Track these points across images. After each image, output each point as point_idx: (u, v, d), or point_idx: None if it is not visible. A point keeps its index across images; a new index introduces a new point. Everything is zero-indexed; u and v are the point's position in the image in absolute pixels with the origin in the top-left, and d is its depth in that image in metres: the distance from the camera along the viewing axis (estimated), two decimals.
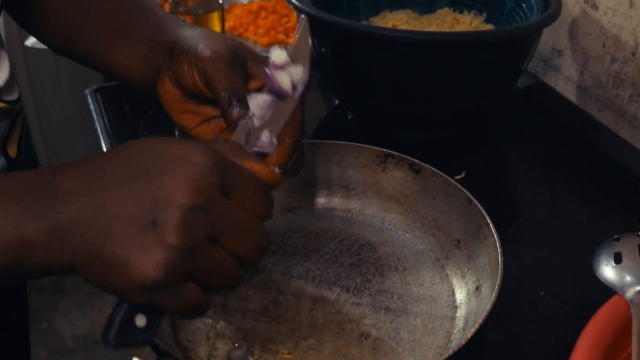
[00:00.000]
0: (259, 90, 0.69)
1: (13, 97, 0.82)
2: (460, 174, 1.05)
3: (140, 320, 0.54)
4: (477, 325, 0.68)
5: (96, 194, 0.53)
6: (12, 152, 0.83)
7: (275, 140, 0.66)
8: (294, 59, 0.68)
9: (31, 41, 1.45)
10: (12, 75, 0.82)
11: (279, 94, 0.66)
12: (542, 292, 0.86)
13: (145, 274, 0.51)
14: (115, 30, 0.81)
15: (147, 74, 0.78)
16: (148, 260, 0.51)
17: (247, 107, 0.67)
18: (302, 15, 0.68)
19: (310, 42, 0.73)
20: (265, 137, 0.65)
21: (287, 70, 0.67)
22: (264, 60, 0.71)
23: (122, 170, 0.54)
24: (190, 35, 0.76)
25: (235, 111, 0.68)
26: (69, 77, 2.41)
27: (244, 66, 0.73)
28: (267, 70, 0.67)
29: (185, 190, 0.52)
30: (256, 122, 0.65)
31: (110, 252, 0.51)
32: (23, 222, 0.52)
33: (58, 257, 0.52)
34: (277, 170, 0.62)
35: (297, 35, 0.70)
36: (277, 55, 0.67)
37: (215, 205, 0.53)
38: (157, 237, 0.51)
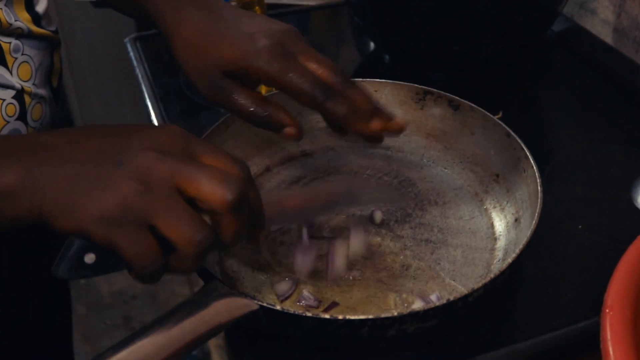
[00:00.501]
0: None
1: (52, 27, 0.85)
2: (497, 114, 1.05)
3: (90, 258, 0.56)
4: (517, 251, 0.70)
5: (69, 146, 0.57)
6: (55, 82, 0.86)
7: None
8: None
9: None
10: (50, 7, 0.86)
11: None
12: (579, 226, 0.87)
13: (105, 206, 0.53)
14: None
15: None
16: (109, 194, 0.54)
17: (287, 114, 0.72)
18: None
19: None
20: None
21: None
22: (306, 51, 0.72)
23: (96, 131, 0.59)
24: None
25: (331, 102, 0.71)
26: (102, 31, 2.42)
27: (293, 58, 0.72)
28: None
29: (151, 144, 0.57)
30: None
31: (76, 190, 0.54)
32: (2, 170, 0.55)
33: (29, 203, 0.55)
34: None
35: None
36: None
37: (179, 157, 0.57)
38: (120, 175, 0.54)
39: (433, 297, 0.74)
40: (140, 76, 1.20)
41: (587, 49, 1.25)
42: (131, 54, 1.26)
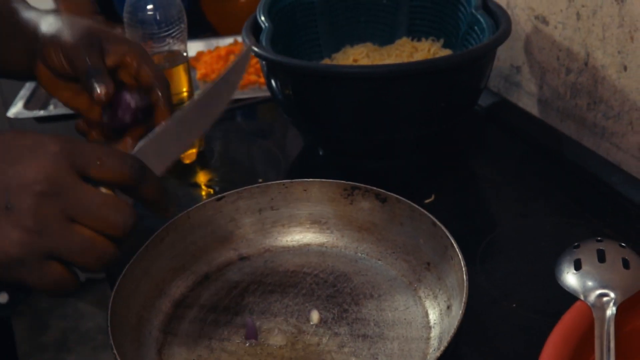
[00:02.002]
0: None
1: None
2: (429, 197, 1.08)
3: (2, 297, 0.58)
4: (445, 343, 0.71)
5: None
6: None
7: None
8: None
9: (12, 112, 1.48)
10: None
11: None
12: (514, 305, 0.89)
13: (4, 252, 0.55)
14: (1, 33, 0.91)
15: (28, 64, 0.89)
16: (4, 240, 0.55)
17: (102, 77, 0.83)
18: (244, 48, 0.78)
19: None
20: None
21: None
22: (114, 38, 0.88)
23: None
24: (54, 23, 0.87)
25: (91, 82, 0.82)
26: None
27: (99, 44, 0.85)
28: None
29: (35, 176, 0.57)
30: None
31: None
32: None
33: None
34: (130, 141, 0.69)
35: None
36: None
37: (67, 189, 0.58)
38: (11, 219, 0.56)
39: None
40: None
41: (516, 121, 1.29)
42: None
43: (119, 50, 0.87)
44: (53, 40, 0.85)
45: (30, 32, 0.89)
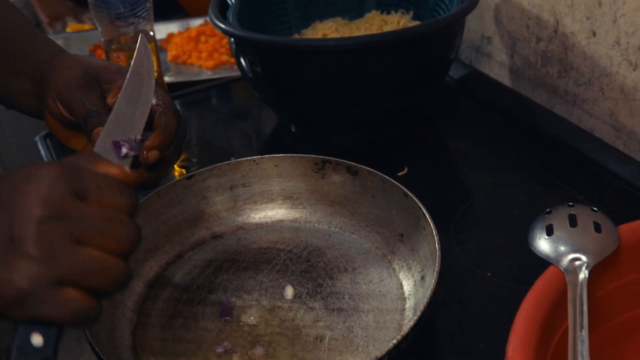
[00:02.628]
0: None
1: None
2: (402, 170, 1.08)
3: (37, 339, 0.56)
4: (419, 313, 0.71)
5: None
6: None
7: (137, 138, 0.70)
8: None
9: None
10: None
11: None
12: (488, 274, 0.89)
13: (14, 287, 0.53)
14: (9, 68, 0.85)
15: (36, 106, 0.83)
16: (13, 274, 0.54)
17: (100, 119, 0.73)
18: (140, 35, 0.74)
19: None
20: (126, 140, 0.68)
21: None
22: (115, 70, 0.79)
23: None
24: (55, 66, 0.81)
25: (90, 125, 0.74)
26: (15, 128, 2.41)
27: (97, 83, 0.78)
28: None
29: (34, 202, 0.55)
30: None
31: None
32: None
33: None
34: (127, 169, 0.65)
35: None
36: None
37: (68, 209, 0.56)
38: (17, 251, 0.54)
39: None
40: None
41: (487, 92, 1.29)
42: (42, 152, 1.27)
43: (119, 84, 0.77)
44: (50, 88, 0.79)
45: (37, 73, 0.83)
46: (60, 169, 0.57)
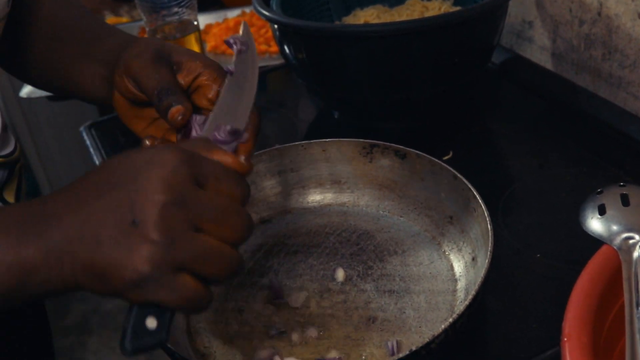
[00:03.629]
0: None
1: (7, 150, 0.86)
2: (447, 154, 1.08)
3: (151, 322, 0.56)
4: (473, 293, 0.71)
5: (82, 210, 0.56)
6: (10, 198, 0.86)
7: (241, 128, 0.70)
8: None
9: (25, 91, 1.49)
10: (6, 128, 0.86)
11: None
12: (537, 255, 0.89)
13: (134, 270, 0.54)
14: (81, 54, 0.86)
15: (107, 90, 0.83)
16: (134, 257, 0.54)
17: (177, 96, 0.73)
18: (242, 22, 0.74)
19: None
20: (227, 129, 0.67)
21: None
22: (187, 52, 0.78)
23: (100, 186, 0.58)
24: (128, 47, 0.80)
25: (165, 102, 0.73)
26: (63, 119, 2.45)
27: (169, 61, 0.77)
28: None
29: (157, 187, 0.55)
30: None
31: (102, 258, 0.55)
32: (23, 247, 0.56)
33: (58, 275, 0.56)
34: (243, 158, 0.65)
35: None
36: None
37: (188, 196, 0.56)
38: (139, 234, 0.54)
39: (389, 345, 0.76)
40: (97, 163, 1.22)
41: (530, 76, 1.28)
42: (87, 142, 1.28)
43: (193, 69, 0.77)
44: (120, 64, 0.79)
45: (111, 58, 0.82)
46: (181, 155, 0.58)
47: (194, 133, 0.72)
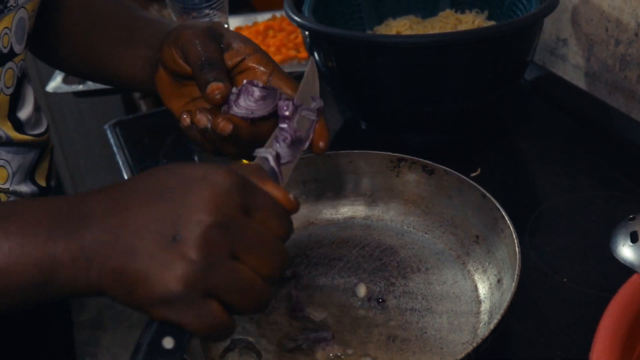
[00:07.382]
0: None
1: (39, 130, 0.85)
2: (475, 171, 1.06)
3: (168, 343, 0.54)
4: (499, 317, 0.69)
5: (120, 215, 0.55)
6: (41, 181, 0.86)
7: (318, 103, 0.74)
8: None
9: (52, 86, 1.49)
10: (38, 109, 0.86)
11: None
12: (565, 279, 0.87)
13: (165, 287, 0.52)
14: (121, 39, 0.86)
15: (150, 72, 0.83)
16: (169, 274, 0.52)
17: (218, 72, 0.74)
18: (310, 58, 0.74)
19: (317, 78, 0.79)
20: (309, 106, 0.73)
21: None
22: (239, 36, 0.78)
23: (145, 193, 0.56)
24: (171, 31, 0.80)
25: (206, 75, 0.73)
26: (89, 116, 2.45)
27: (219, 40, 0.77)
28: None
29: (206, 207, 0.54)
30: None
31: (134, 267, 0.53)
32: (52, 243, 0.54)
33: (85, 276, 0.54)
34: (292, 196, 0.62)
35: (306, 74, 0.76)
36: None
37: (235, 222, 0.55)
38: (178, 251, 0.52)
39: None
40: (120, 162, 1.21)
41: (562, 94, 1.26)
42: (111, 140, 1.28)
43: (242, 51, 0.77)
44: (169, 36, 0.78)
45: (155, 40, 0.82)
46: (236, 179, 0.56)
47: (227, 108, 0.74)
